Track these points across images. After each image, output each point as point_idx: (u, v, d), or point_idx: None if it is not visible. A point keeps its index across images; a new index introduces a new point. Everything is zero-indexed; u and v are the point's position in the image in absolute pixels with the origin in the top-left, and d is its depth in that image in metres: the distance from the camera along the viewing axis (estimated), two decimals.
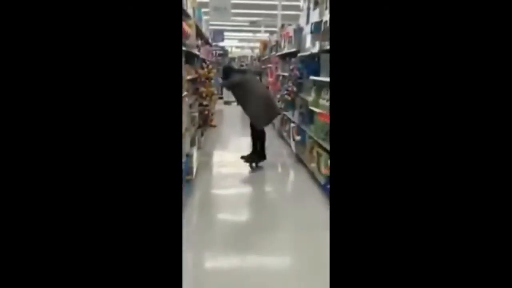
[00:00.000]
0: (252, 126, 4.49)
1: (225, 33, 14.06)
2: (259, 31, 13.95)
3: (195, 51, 4.52)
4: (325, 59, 3.70)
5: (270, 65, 8.52)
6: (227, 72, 4.55)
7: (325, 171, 3.45)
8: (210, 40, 7.82)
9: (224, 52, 14.28)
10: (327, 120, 3.50)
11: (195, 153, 4.06)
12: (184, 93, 3.39)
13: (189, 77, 4.03)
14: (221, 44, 13.84)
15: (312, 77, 4.14)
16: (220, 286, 2.14)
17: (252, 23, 12.24)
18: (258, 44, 13.34)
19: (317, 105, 3.84)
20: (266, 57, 9.46)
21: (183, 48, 3.22)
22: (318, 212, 3.18)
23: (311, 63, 4.31)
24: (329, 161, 3.39)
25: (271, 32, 10.20)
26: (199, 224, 3.03)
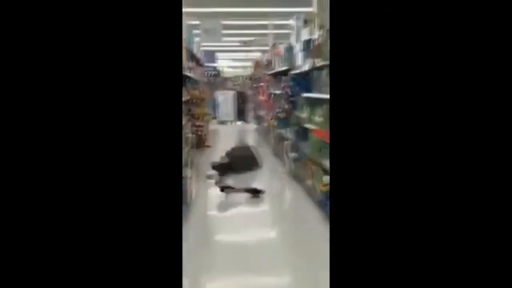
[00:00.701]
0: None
1: (218, 54, 14.20)
2: (251, 51, 14.10)
3: (187, 73, 4.49)
4: (317, 76, 3.68)
5: (262, 84, 8.58)
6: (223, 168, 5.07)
7: (322, 187, 3.38)
8: (202, 62, 7.84)
9: (217, 73, 14.23)
10: (321, 137, 3.46)
11: (189, 174, 3.98)
12: None
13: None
14: (214, 64, 13.84)
15: (304, 94, 4.11)
16: None
17: (244, 43, 12.40)
18: (250, 64, 13.39)
19: (310, 122, 3.81)
20: (258, 76, 9.52)
21: None
22: (316, 229, 3.10)
23: (302, 81, 4.31)
24: (324, 178, 3.33)
25: (263, 51, 10.35)
26: (198, 246, 2.93)
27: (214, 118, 11.72)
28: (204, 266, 2.58)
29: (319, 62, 3.38)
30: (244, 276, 2.44)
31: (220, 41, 8.74)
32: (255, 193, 4.10)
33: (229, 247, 2.92)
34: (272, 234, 3.20)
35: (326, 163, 3.26)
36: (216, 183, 4.51)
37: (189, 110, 4.93)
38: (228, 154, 5.35)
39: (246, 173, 5.21)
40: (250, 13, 8.31)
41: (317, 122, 3.60)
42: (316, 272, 2.40)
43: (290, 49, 4.88)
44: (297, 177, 4.68)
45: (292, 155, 4.90)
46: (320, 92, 3.52)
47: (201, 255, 2.75)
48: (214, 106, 11.98)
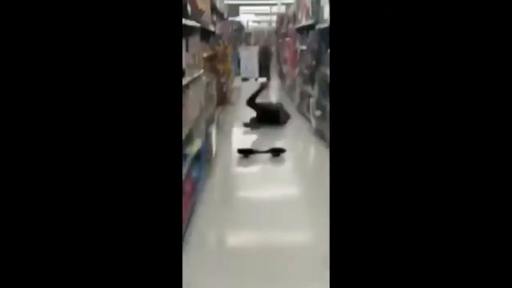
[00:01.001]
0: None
1: (241, 7, 13.74)
2: (275, 4, 13.49)
3: (211, 28, 4.37)
4: None
5: (287, 39, 8.30)
6: None
7: None
8: (225, 15, 7.59)
9: (240, 27, 13.28)
10: None
11: (213, 132, 3.98)
12: (201, 71, 3.28)
13: (205, 55, 3.91)
14: (237, 19, 13.21)
15: None
16: (244, 263, 2.10)
17: None
18: (274, 18, 12.75)
19: None
20: (283, 31, 9.21)
21: (198, 25, 3.09)
22: None
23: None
24: None
25: (288, 5, 9.88)
26: (221, 202, 2.98)
27: (238, 74, 11.24)
28: (228, 221, 2.64)
29: None
30: (266, 231, 2.49)
31: None
32: (276, 152, 4.05)
33: (251, 203, 2.95)
34: (293, 191, 3.21)
35: None
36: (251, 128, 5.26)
37: (213, 66, 4.84)
38: (258, 109, 5.62)
39: (274, 126, 5.43)
40: None
41: None
42: None
43: (317, 1, 4.63)
44: (321, 135, 4.61)
45: (317, 112, 4.80)
46: None
47: (225, 211, 2.80)
48: (238, 62, 11.43)
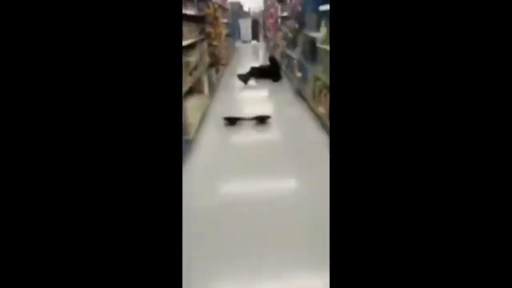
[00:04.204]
0: None
1: None
2: None
3: None
4: None
5: (271, 10, 9.10)
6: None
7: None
8: None
9: (240, 6, 16.60)
10: None
11: (205, 90, 4.03)
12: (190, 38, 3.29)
13: (189, 13, 3.87)
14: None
15: (321, 7, 3.29)
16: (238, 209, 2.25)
17: None
18: None
19: (328, 42, 3.20)
20: (269, 3, 10.11)
21: None
22: (317, 141, 3.28)
23: None
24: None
25: None
26: (212, 154, 3.15)
27: (239, 38, 16.04)
28: (219, 169, 2.81)
29: None
30: (254, 176, 2.61)
31: None
32: (261, 120, 3.89)
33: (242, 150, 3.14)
34: (277, 141, 3.38)
35: None
36: (244, 81, 5.93)
37: (202, 29, 4.84)
38: (253, 68, 6.28)
39: (265, 80, 6.19)
40: None
41: None
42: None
43: None
44: (302, 95, 4.73)
45: (299, 74, 4.90)
46: None
47: (215, 161, 2.98)
48: (239, 29, 16.01)
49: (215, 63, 5.64)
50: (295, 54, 5.10)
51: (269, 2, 10.22)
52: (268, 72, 6.21)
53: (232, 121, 3.88)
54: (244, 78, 5.97)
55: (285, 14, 5.97)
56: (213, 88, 5.21)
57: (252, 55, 10.87)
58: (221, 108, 4.42)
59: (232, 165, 2.74)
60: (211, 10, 5.17)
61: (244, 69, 7.75)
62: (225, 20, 8.23)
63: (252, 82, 6.11)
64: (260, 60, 9.42)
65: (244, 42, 16.11)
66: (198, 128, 3.71)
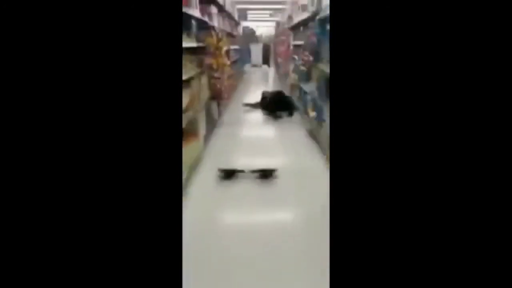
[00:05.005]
0: None
1: (248, 12, 14.52)
2: (277, 9, 14.01)
3: (194, 13, 3.62)
4: None
5: (282, 37, 9.06)
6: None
7: None
8: (238, 20, 8.48)
9: (252, 31, 16.83)
10: None
11: (202, 122, 3.29)
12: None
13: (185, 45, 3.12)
14: (247, 24, 16.22)
15: None
16: None
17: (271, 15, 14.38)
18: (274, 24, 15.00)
19: None
20: (282, 29, 9.92)
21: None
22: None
23: None
24: None
25: (282, 10, 10.44)
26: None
27: (249, 62, 15.79)
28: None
29: None
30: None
31: None
32: (265, 175, 2.99)
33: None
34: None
35: None
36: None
37: (201, 61, 4.09)
38: (264, 97, 5.61)
39: (278, 114, 5.41)
40: None
41: None
42: None
43: None
44: (315, 138, 3.93)
45: (312, 114, 4.11)
46: None
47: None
48: (249, 54, 15.82)
49: (217, 97, 4.90)
50: (308, 88, 4.33)
51: (281, 29, 10.01)
52: (282, 104, 5.39)
53: (229, 174, 3.00)
54: (252, 107, 5.65)
55: (298, 42, 5.26)
56: (212, 126, 4.46)
57: (262, 80, 10.67)
58: (216, 155, 3.63)
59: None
60: (213, 40, 4.45)
61: (252, 95, 7.27)
62: (235, 47, 7.94)
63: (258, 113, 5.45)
64: (270, 85, 9.06)
65: (254, 66, 15.99)
66: (187, 181, 2.92)
